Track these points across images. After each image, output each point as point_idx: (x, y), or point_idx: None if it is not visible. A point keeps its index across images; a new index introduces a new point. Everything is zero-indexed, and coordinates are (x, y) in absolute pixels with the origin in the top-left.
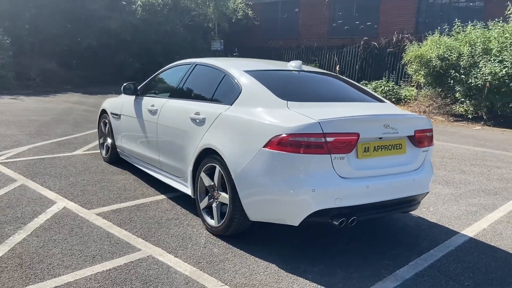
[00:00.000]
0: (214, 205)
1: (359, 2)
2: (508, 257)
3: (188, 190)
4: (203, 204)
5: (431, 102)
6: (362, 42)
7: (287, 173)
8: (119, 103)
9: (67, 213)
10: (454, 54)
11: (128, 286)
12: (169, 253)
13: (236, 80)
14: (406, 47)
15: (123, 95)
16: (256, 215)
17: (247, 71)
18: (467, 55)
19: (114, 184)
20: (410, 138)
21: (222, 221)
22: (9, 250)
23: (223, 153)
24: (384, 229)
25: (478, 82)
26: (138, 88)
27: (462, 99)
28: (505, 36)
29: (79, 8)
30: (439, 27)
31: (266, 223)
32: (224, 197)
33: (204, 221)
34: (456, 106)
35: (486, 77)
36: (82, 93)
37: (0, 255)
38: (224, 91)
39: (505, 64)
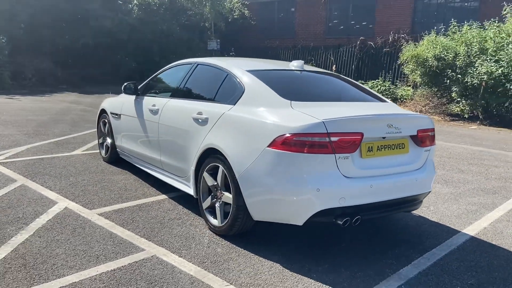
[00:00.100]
0: (217, 205)
1: (355, 2)
2: (509, 255)
3: (190, 190)
4: (205, 204)
5: (427, 101)
6: (358, 42)
7: (292, 172)
8: (119, 103)
9: (69, 213)
10: (450, 54)
11: (134, 286)
12: (173, 253)
13: (239, 80)
14: (402, 46)
15: (122, 95)
16: (260, 214)
17: (249, 71)
18: (463, 55)
19: (114, 184)
20: (413, 137)
21: (226, 221)
22: (12, 250)
23: (227, 153)
24: (385, 228)
25: (474, 82)
26: (139, 87)
27: (458, 99)
28: (501, 36)
29: (75, 7)
30: (435, 27)
31: (268, 222)
32: (228, 197)
33: (207, 221)
34: (452, 106)
35: (482, 77)
36: (78, 92)
37: (3, 255)
38: (226, 91)
39: (501, 64)
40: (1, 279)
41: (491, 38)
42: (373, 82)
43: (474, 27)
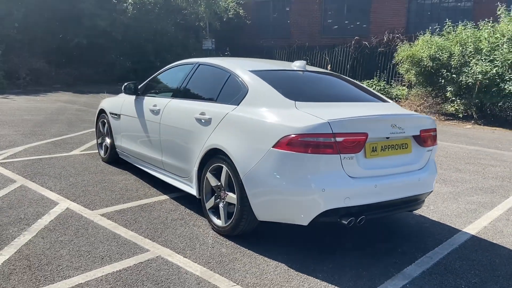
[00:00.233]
0: (221, 205)
1: (350, 2)
2: (511, 254)
3: (193, 191)
4: (209, 204)
5: (422, 101)
6: (353, 42)
7: (297, 173)
8: (118, 103)
9: (71, 214)
10: (445, 54)
11: (140, 287)
12: (178, 254)
13: (242, 80)
14: (397, 46)
15: (121, 95)
16: (265, 215)
17: (252, 71)
18: (458, 55)
19: (115, 184)
20: (416, 137)
21: (230, 221)
22: (16, 252)
23: (231, 153)
24: (387, 227)
25: (469, 81)
26: (139, 87)
27: (453, 98)
28: (495, 36)
29: (69, 6)
30: (429, 27)
31: (271, 222)
32: (232, 197)
33: (210, 221)
34: (446, 105)
35: (477, 76)
36: (72, 92)
37: (7, 257)
38: (229, 91)
39: (495, 63)
40: (7, 280)
41: (485, 38)
42: (368, 82)
43: (469, 27)
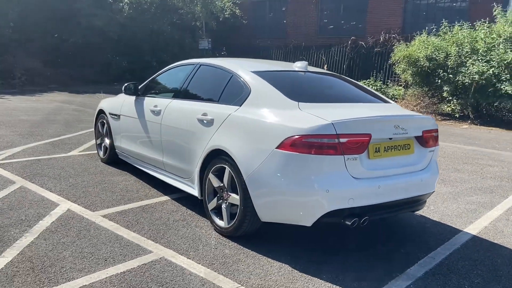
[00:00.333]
0: (223, 206)
1: (346, 2)
2: None
3: (194, 191)
4: (211, 205)
5: (419, 101)
6: (349, 42)
7: (301, 174)
8: (118, 104)
9: (72, 215)
10: (442, 54)
11: None
12: (181, 255)
13: (244, 81)
14: (394, 46)
15: (120, 95)
16: (268, 216)
17: (254, 72)
18: (455, 55)
19: (115, 185)
20: (418, 138)
21: (232, 222)
22: (19, 253)
23: (234, 154)
24: (389, 228)
25: (466, 81)
26: (139, 88)
27: (449, 98)
28: (492, 36)
29: (65, 5)
30: (426, 28)
31: (274, 223)
32: (234, 198)
33: (212, 222)
34: (443, 105)
35: (474, 76)
36: (68, 92)
37: (10, 259)
38: (232, 92)
39: (492, 64)
40: (10, 282)
41: (481, 38)
42: (365, 82)
43: (465, 28)
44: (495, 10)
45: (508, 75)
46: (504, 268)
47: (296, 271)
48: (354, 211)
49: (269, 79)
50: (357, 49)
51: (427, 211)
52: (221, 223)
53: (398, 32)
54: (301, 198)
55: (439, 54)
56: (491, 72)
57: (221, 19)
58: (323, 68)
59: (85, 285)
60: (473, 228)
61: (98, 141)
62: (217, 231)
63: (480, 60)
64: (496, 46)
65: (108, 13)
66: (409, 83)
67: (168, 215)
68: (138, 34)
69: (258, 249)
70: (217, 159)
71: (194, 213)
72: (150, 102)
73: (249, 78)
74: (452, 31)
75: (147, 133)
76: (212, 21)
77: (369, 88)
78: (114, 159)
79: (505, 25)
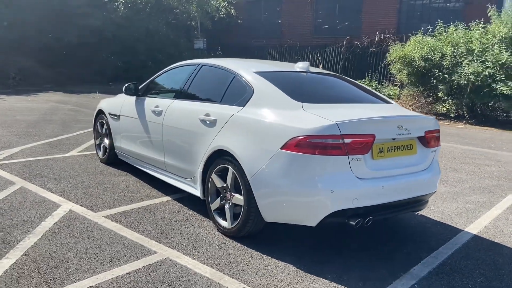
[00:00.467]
0: (226, 206)
1: (341, 2)
2: None
3: (197, 192)
4: (214, 205)
5: (414, 101)
6: (345, 42)
7: (306, 174)
8: (117, 104)
9: (74, 216)
10: (437, 54)
11: None
12: (186, 255)
13: (247, 82)
14: (389, 46)
15: (120, 96)
16: (272, 216)
17: (257, 72)
18: (450, 56)
19: (116, 185)
20: (420, 138)
21: (236, 222)
22: (23, 255)
23: (238, 154)
24: (391, 228)
25: (461, 81)
26: (139, 88)
27: (445, 98)
28: (487, 37)
29: (59, 5)
30: (421, 28)
31: (276, 223)
32: (238, 198)
33: (215, 222)
34: (438, 105)
35: (469, 77)
36: (63, 92)
37: (14, 260)
38: (234, 93)
39: (487, 64)
40: (16, 284)
41: (476, 39)
42: (360, 82)
43: (460, 28)
44: (489, 11)
45: (503, 76)
46: (506, 267)
47: (301, 271)
48: (359, 211)
49: (272, 80)
50: (352, 49)
51: (427, 211)
52: (224, 223)
53: (393, 32)
54: (305, 199)
55: (434, 54)
56: (486, 73)
57: (216, 18)
58: (318, 67)
59: (92, 286)
60: (474, 228)
61: (97, 142)
62: (220, 232)
63: (475, 61)
64: (491, 46)
65: (103, 12)
66: (405, 83)
67: (170, 215)
68: (133, 34)
69: (261, 249)
70: (220, 159)
71: (196, 213)
72: (151, 102)
73: (252, 78)
74: (447, 32)
75: (148, 133)
76: (207, 21)
77: (370, 89)
78: (113, 159)
79: (500, 25)
